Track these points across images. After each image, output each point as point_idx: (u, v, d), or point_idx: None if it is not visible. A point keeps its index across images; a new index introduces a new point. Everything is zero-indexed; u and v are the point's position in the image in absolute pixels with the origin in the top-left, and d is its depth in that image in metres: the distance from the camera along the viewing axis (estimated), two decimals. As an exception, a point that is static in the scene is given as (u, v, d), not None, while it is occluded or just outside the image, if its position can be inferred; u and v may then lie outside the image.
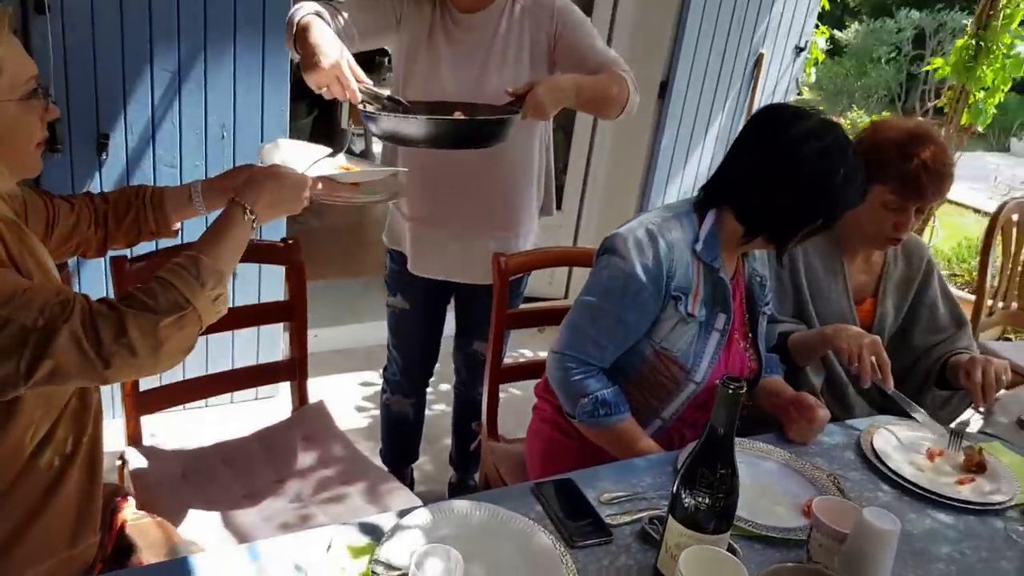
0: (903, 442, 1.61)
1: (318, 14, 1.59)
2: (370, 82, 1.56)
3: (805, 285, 1.84)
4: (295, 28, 1.56)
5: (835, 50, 12.39)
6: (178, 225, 1.44)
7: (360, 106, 1.54)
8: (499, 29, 1.82)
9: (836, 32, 12.43)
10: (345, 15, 1.71)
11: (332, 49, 1.48)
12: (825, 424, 1.59)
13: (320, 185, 1.36)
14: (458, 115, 1.60)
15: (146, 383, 1.70)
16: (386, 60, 3.75)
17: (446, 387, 2.36)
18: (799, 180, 1.46)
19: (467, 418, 2.33)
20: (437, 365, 2.31)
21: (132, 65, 2.28)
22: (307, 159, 1.47)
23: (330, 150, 1.58)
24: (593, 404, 1.53)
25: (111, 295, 1.12)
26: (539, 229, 2.10)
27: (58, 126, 2.20)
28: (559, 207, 3.88)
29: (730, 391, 1.06)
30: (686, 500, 1.09)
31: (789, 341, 1.77)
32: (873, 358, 1.59)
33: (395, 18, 1.82)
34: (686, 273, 1.54)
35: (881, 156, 1.71)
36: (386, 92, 1.63)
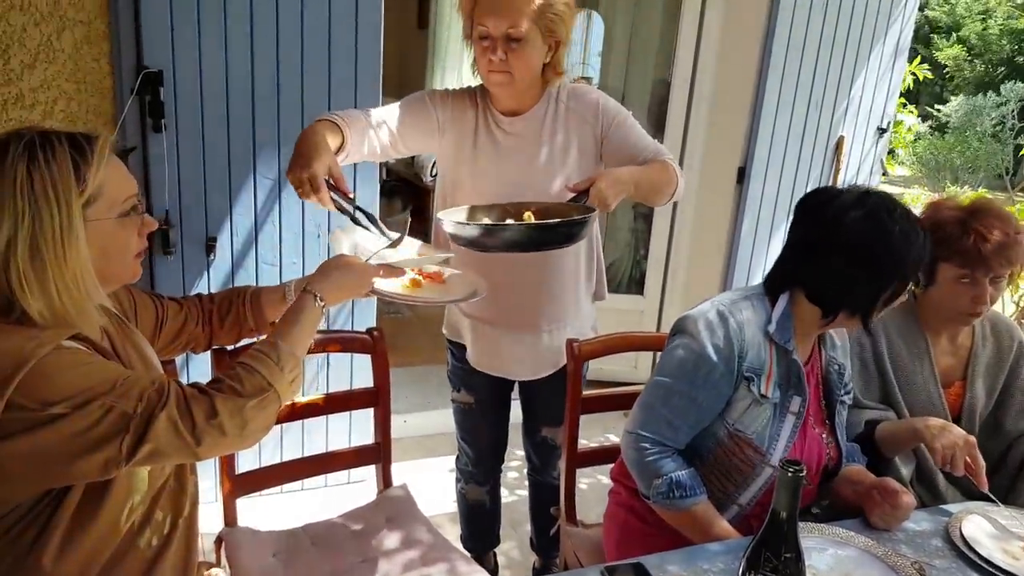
0: (996, 529, 1.54)
1: (333, 120, 1.62)
2: (350, 194, 1.56)
3: (890, 369, 1.81)
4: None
5: (937, 126, 12.14)
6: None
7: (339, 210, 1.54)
8: (543, 130, 1.86)
9: (938, 108, 12.21)
10: (387, 124, 1.78)
11: (309, 158, 1.49)
12: (911, 511, 1.53)
13: (381, 272, 1.46)
14: (528, 216, 1.65)
15: (240, 467, 1.83)
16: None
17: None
18: (856, 248, 1.48)
19: (543, 503, 2.33)
20: (518, 450, 2.34)
21: (237, 175, 2.51)
22: (377, 245, 1.56)
23: (396, 235, 1.64)
24: (668, 485, 1.53)
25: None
26: (595, 313, 2.11)
27: (171, 231, 2.43)
28: (641, 293, 3.92)
29: (790, 474, 1.07)
30: (752, 584, 1.09)
31: (876, 433, 1.73)
32: (967, 458, 1.56)
33: (437, 124, 1.86)
34: (758, 354, 1.55)
35: (942, 233, 1.72)
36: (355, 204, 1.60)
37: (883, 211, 1.48)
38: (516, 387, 2.20)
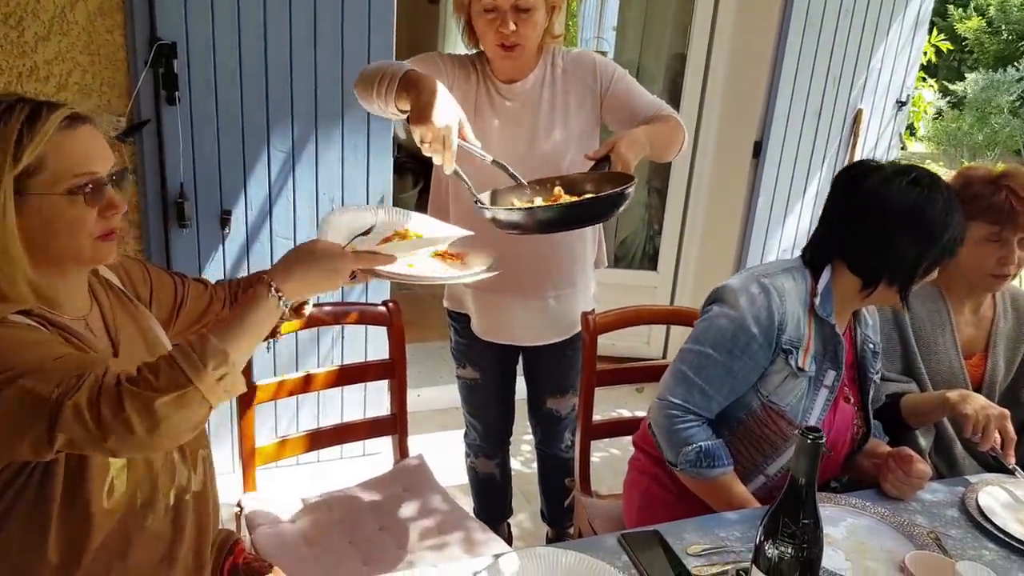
0: (1012, 500, 1.55)
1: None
2: (478, 146, 1.51)
3: (913, 339, 1.81)
4: (401, 76, 1.52)
5: (954, 102, 11.96)
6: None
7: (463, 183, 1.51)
8: (543, 93, 1.86)
9: (954, 84, 12.02)
10: None
11: (450, 109, 1.43)
12: (925, 480, 1.54)
13: (362, 261, 1.26)
14: (558, 190, 1.59)
15: (261, 439, 1.85)
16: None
17: (539, 442, 2.40)
18: (904, 212, 1.47)
19: (552, 475, 2.35)
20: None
21: (251, 148, 2.50)
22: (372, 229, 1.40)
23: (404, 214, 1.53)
24: (696, 454, 1.52)
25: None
26: (594, 281, 2.12)
27: (186, 204, 2.43)
28: (655, 269, 3.91)
29: (809, 440, 1.07)
30: (769, 551, 1.10)
31: (902, 404, 1.73)
32: (997, 432, 1.56)
33: (448, 84, 1.78)
34: (797, 327, 1.54)
35: (971, 191, 1.72)
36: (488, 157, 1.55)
37: (928, 181, 1.50)
38: (520, 360, 2.20)
